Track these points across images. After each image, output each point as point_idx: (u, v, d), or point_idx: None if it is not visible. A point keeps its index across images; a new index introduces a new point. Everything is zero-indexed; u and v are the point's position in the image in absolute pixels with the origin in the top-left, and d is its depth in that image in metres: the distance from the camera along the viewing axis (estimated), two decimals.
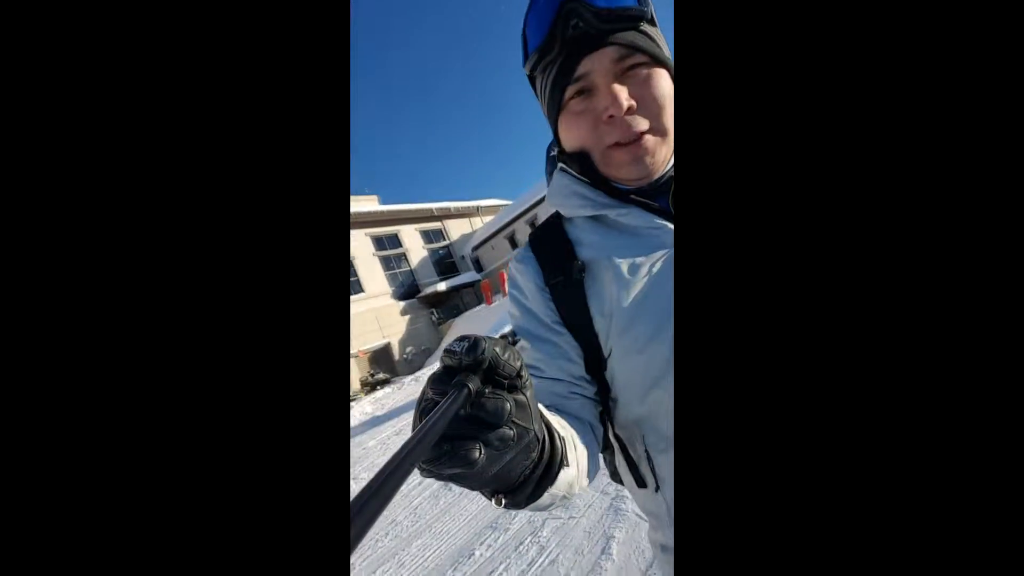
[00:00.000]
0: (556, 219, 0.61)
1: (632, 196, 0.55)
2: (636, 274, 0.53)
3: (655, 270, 0.52)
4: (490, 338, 0.30)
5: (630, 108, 0.50)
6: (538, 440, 0.33)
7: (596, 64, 0.50)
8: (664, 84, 0.51)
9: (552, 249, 0.59)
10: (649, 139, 0.51)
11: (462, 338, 0.30)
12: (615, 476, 0.64)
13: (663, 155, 0.53)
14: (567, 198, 0.57)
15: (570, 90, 0.52)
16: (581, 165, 0.55)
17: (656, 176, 0.54)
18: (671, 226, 0.53)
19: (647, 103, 0.51)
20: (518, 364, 0.30)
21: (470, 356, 0.28)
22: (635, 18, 0.50)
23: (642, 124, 0.51)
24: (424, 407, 0.29)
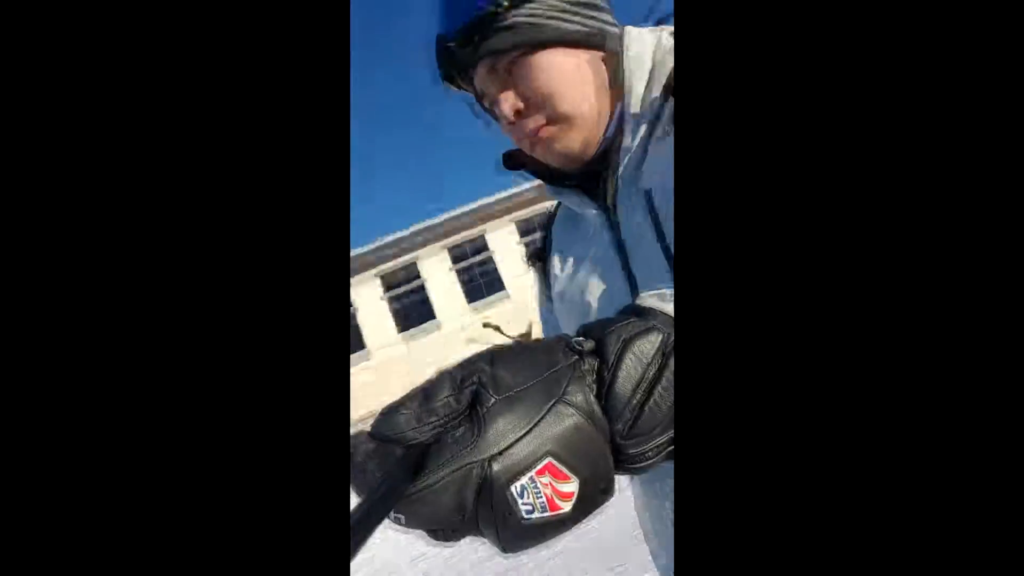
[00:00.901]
0: None
1: (566, 182, 0.57)
2: (564, 253, 0.59)
3: (577, 252, 0.57)
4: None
5: (518, 112, 0.51)
6: None
7: (480, 81, 0.53)
8: (543, 71, 0.50)
9: (548, 226, 0.67)
10: (549, 130, 0.52)
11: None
12: None
13: (575, 138, 0.53)
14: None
15: (486, 104, 0.55)
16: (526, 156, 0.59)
17: (588, 157, 0.54)
18: (598, 213, 0.54)
19: (532, 99, 0.51)
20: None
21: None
22: (488, 21, 0.49)
23: (536, 120, 0.52)
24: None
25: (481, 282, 13.62)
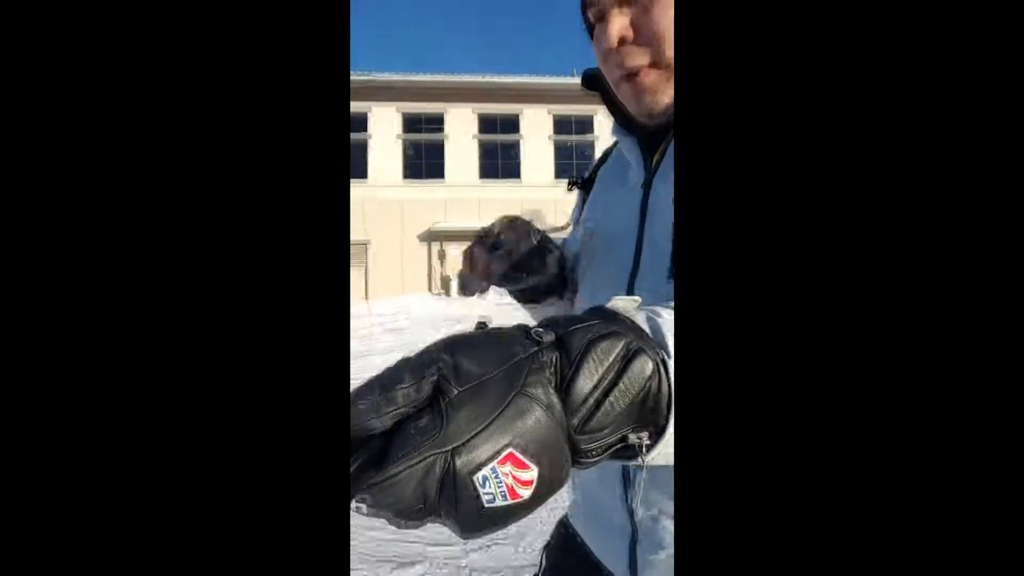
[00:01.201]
0: None
1: (632, 130, 0.55)
2: (602, 196, 0.59)
3: (611, 200, 0.57)
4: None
5: (623, 40, 0.48)
6: None
7: None
8: (668, 10, 0.47)
9: (602, 159, 0.65)
10: (649, 75, 0.49)
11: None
12: None
13: (668, 93, 0.49)
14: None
15: (591, 14, 0.51)
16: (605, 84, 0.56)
17: (663, 118, 0.51)
18: (642, 175, 0.54)
19: (644, 33, 0.48)
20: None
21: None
22: None
23: (638, 58, 0.48)
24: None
25: (499, 162, 13.40)
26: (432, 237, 12.65)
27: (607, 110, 0.57)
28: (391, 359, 0.25)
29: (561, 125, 13.27)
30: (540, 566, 0.67)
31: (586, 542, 0.61)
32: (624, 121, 0.56)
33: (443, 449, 0.23)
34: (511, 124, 13.24)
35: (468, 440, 0.23)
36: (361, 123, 12.42)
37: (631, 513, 0.52)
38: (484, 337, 0.26)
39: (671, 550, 0.46)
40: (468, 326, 0.30)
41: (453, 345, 0.25)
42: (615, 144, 0.62)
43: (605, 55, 0.50)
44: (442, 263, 12.59)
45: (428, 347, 0.26)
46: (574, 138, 13.17)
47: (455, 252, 12.55)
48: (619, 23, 0.48)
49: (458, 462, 0.23)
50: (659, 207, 0.51)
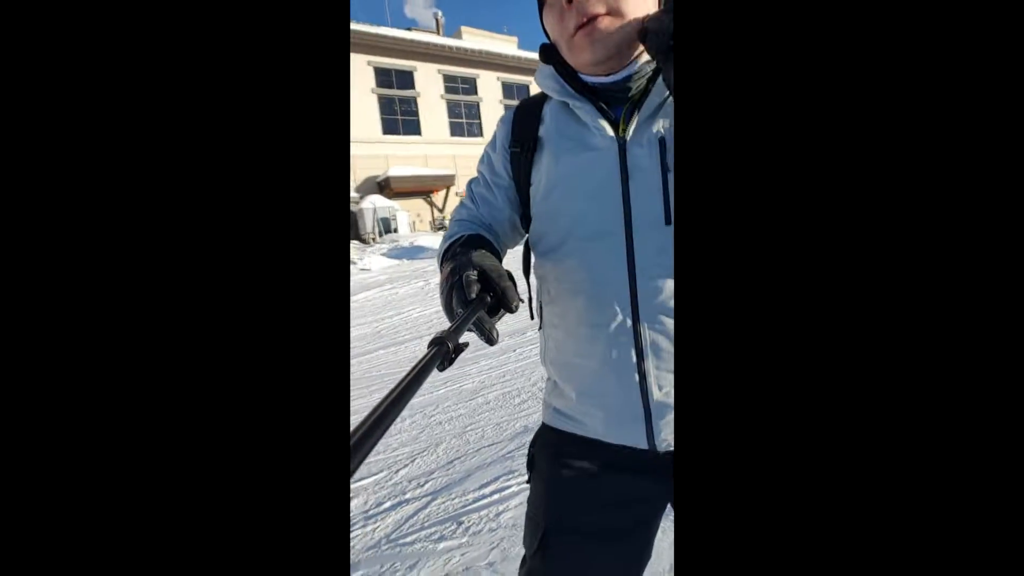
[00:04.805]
0: (542, 97, 0.71)
1: (589, 93, 0.63)
2: (565, 157, 0.64)
3: (581, 161, 0.62)
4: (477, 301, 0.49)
5: None
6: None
7: None
8: None
9: (526, 120, 0.70)
10: (604, 20, 0.55)
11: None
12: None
13: (618, 39, 0.56)
14: (546, 79, 0.66)
15: None
16: (557, 56, 0.64)
17: (619, 70, 0.60)
18: (610, 132, 0.60)
19: None
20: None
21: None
22: None
23: (597, 6, 0.55)
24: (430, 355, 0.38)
25: (464, 122, 15.20)
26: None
27: (560, 79, 0.64)
28: None
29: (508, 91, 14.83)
30: (533, 460, 0.76)
31: (585, 432, 0.68)
32: (579, 87, 0.63)
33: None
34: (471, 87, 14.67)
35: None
36: None
37: (646, 395, 0.61)
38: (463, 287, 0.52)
39: (672, 408, 0.61)
40: None
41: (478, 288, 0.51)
42: (543, 105, 0.69)
43: (562, 12, 0.57)
44: None
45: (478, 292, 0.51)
46: None
47: None
48: None
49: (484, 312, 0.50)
50: (640, 167, 0.59)
